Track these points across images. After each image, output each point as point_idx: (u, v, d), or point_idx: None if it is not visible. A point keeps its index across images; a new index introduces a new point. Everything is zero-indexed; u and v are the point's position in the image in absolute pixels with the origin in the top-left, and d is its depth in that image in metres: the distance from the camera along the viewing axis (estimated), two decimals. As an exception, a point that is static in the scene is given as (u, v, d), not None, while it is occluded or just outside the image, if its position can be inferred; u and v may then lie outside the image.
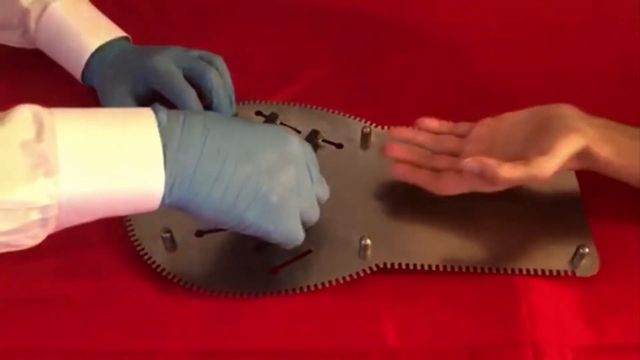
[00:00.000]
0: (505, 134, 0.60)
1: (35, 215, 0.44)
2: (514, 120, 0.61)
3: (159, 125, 0.47)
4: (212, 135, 0.49)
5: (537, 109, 0.61)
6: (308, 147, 0.55)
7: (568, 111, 0.59)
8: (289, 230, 0.54)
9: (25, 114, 0.44)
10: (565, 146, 0.56)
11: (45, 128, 0.44)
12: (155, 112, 0.48)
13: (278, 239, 0.54)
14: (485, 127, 0.62)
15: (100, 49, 0.69)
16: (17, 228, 0.44)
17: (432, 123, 0.65)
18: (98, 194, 0.45)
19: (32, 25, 0.70)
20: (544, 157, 0.55)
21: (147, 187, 0.47)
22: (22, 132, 0.43)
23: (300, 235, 0.55)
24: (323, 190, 0.56)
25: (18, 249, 0.46)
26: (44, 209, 0.44)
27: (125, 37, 0.71)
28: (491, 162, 0.55)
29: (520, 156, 0.56)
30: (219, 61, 0.68)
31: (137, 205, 0.48)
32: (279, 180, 0.51)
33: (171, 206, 0.49)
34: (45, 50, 0.72)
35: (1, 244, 0.45)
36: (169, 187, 0.48)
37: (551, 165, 0.55)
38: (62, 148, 0.44)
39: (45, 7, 0.69)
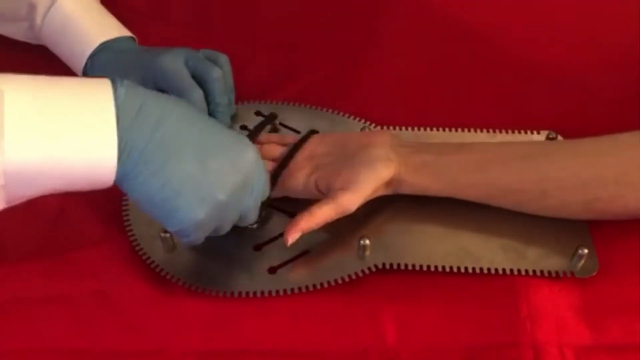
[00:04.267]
0: (327, 152, 0.62)
1: None
2: (337, 141, 0.62)
3: (116, 100, 0.46)
4: (164, 128, 0.48)
5: (360, 135, 0.64)
6: (261, 162, 0.54)
7: (383, 140, 0.60)
8: (199, 240, 0.53)
9: None
10: (367, 180, 0.57)
11: None
12: (115, 85, 0.47)
13: (192, 242, 0.53)
14: (313, 142, 0.64)
15: (104, 48, 0.68)
16: None
17: (261, 138, 0.67)
18: (46, 162, 0.44)
19: (39, 19, 0.70)
20: (348, 192, 0.57)
21: (97, 158, 0.46)
22: None
23: (199, 242, 0.54)
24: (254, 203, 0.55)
25: None
26: None
27: (131, 37, 0.71)
28: (305, 222, 0.56)
29: (332, 180, 0.58)
30: (224, 60, 0.68)
31: (89, 179, 0.46)
32: (221, 191, 0.50)
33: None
34: (49, 45, 0.72)
35: None
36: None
37: (353, 200, 0.57)
38: (9, 113, 0.43)
39: (52, 2, 0.69)
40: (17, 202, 0.46)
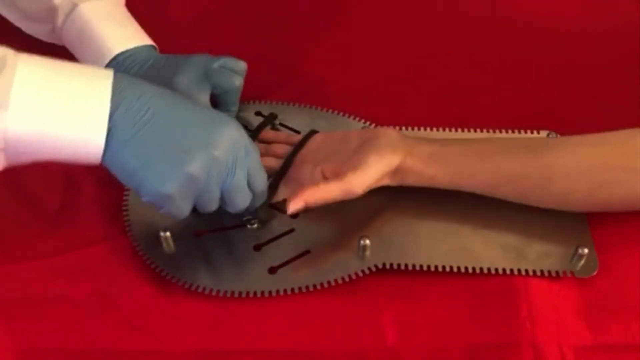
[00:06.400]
0: (332, 147, 0.62)
1: None
2: (341, 138, 0.63)
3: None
4: (139, 105, 0.51)
5: (365, 130, 0.65)
6: (248, 143, 0.55)
7: (389, 132, 0.61)
8: (178, 211, 0.54)
9: None
10: (375, 163, 0.58)
11: (6, 67, 0.47)
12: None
13: (172, 215, 0.54)
14: (317, 139, 0.64)
15: (123, 58, 0.67)
16: None
17: (267, 134, 0.68)
18: (43, 134, 0.48)
19: (60, 23, 0.69)
20: (357, 172, 0.58)
21: (87, 137, 0.50)
22: None
23: (183, 215, 0.54)
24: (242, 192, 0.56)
25: None
26: None
27: (151, 46, 0.70)
28: (309, 194, 0.57)
29: (338, 168, 0.59)
30: (243, 67, 0.68)
31: (79, 153, 0.50)
32: (191, 165, 0.51)
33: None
34: (70, 49, 0.71)
35: None
36: None
37: (361, 180, 0.58)
38: (17, 87, 0.47)
39: (73, 7, 0.68)
40: (17, 164, 0.50)
